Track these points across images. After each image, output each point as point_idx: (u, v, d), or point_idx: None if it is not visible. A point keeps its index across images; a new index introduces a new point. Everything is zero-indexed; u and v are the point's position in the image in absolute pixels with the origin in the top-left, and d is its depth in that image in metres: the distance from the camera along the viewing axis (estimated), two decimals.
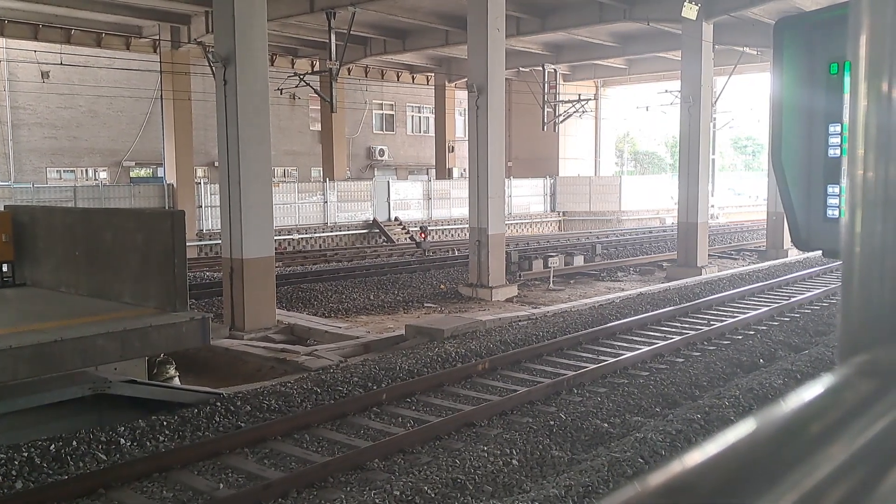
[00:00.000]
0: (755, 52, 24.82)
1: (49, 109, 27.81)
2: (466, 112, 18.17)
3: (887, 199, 0.75)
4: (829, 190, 2.04)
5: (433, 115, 36.36)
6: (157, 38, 24.23)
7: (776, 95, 2.07)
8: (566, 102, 31.60)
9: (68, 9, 21.23)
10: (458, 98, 34.69)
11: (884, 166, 0.76)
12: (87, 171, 29.25)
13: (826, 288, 15.99)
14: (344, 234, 28.92)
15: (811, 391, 0.56)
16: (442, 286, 17.79)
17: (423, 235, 25.59)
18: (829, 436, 0.50)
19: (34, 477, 6.43)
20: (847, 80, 0.79)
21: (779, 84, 2.06)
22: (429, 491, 6.00)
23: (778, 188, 2.16)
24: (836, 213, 2.02)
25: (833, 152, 1.99)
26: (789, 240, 2.36)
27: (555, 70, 31.43)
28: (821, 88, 1.98)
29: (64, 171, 28.69)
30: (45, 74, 26.75)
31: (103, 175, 29.37)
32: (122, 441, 7.16)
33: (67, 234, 9.46)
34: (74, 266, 9.22)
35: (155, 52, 25.14)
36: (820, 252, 2.16)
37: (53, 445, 6.83)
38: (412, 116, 39.26)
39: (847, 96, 0.78)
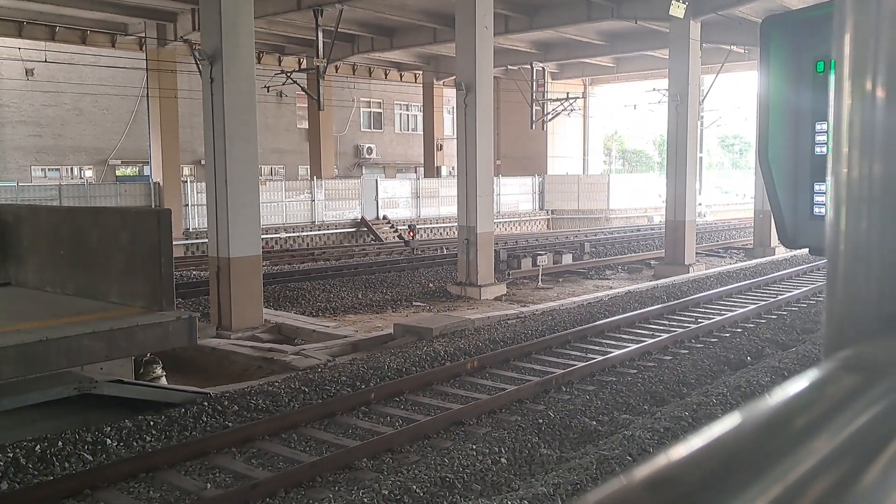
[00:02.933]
0: (742, 51, 24.96)
1: (33, 107, 27.60)
2: (455, 110, 18.18)
3: (871, 197, 0.76)
4: (816, 188, 2.05)
5: (421, 113, 36.34)
6: (143, 35, 24.08)
7: (763, 94, 2.07)
8: (554, 101, 31.67)
9: (53, 6, 21.08)
10: (447, 96, 34.70)
11: (868, 164, 0.76)
12: (72, 169, 29.05)
13: (813, 286, 16.10)
14: (332, 233, 28.86)
15: (796, 385, 0.56)
16: (430, 285, 17.78)
17: (411, 234, 25.58)
18: (814, 429, 0.50)
19: (19, 478, 6.38)
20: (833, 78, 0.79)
21: (765, 82, 2.07)
22: (417, 490, 6.00)
23: (765, 186, 2.17)
24: (823, 210, 2.02)
25: (820, 150, 2.00)
26: (776, 238, 2.36)
27: (543, 68, 31.49)
28: (807, 87, 1.99)
29: (49, 169, 28.49)
30: (29, 72, 26.53)
31: (89, 173, 29.18)
32: (109, 441, 7.12)
33: (52, 232, 9.38)
34: (60, 265, 9.15)
35: (141, 49, 24.99)
36: (807, 250, 2.17)
37: (39, 446, 6.79)
38: (400, 114, 39.22)
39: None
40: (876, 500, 0.50)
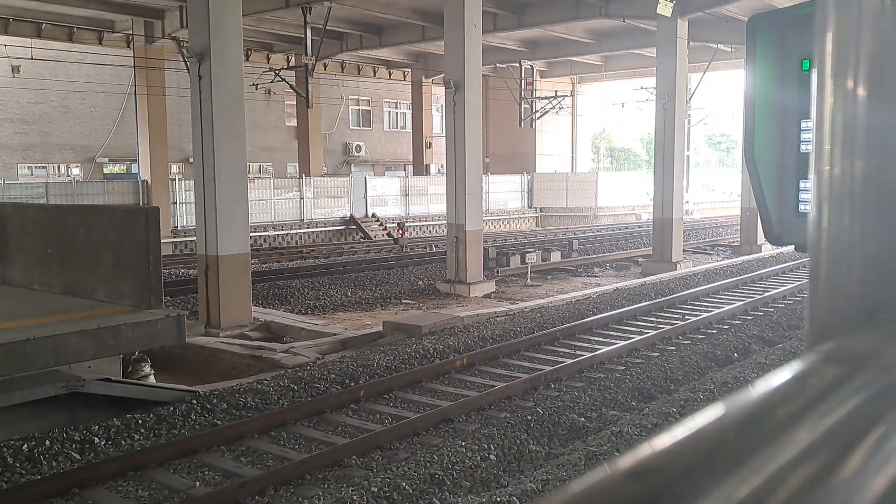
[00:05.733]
0: (729, 49, 25.07)
1: (20, 105, 27.38)
2: (444, 108, 18.19)
3: (853, 194, 0.77)
4: (802, 185, 2.07)
5: (410, 111, 36.29)
6: (131, 32, 23.93)
7: (749, 92, 2.09)
8: (543, 99, 31.71)
9: (39, 2, 20.91)
10: (436, 94, 34.65)
11: (850, 161, 0.77)
12: (59, 167, 28.86)
13: (799, 283, 16.20)
14: (320, 231, 28.80)
15: (779, 377, 0.57)
16: (419, 283, 17.78)
17: (400, 232, 25.56)
18: (795, 420, 0.52)
19: (7, 477, 6.34)
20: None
21: (752, 81, 2.08)
22: (406, 487, 6.01)
23: (751, 184, 2.18)
24: (809, 208, 2.03)
25: (805, 148, 2.01)
26: (763, 235, 2.38)
27: (531, 66, 31.52)
28: (793, 85, 2.01)
29: (35, 167, 28.29)
30: (15, 69, 26.32)
31: (76, 171, 28.99)
32: (97, 440, 7.08)
33: (39, 231, 9.32)
34: (47, 263, 9.09)
35: (128, 46, 24.83)
36: (792, 247, 2.19)
37: (26, 445, 6.75)
38: (389, 112, 39.16)
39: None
40: (855, 489, 0.51)
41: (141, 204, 24.22)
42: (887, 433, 0.55)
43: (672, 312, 13.35)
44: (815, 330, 0.79)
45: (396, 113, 39.30)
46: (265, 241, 26.60)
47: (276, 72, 22.46)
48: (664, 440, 0.46)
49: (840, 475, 0.49)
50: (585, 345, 10.94)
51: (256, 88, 23.82)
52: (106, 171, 29.82)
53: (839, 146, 0.77)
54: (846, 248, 0.78)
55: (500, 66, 32.61)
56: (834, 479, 0.48)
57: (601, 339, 11.26)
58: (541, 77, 34.82)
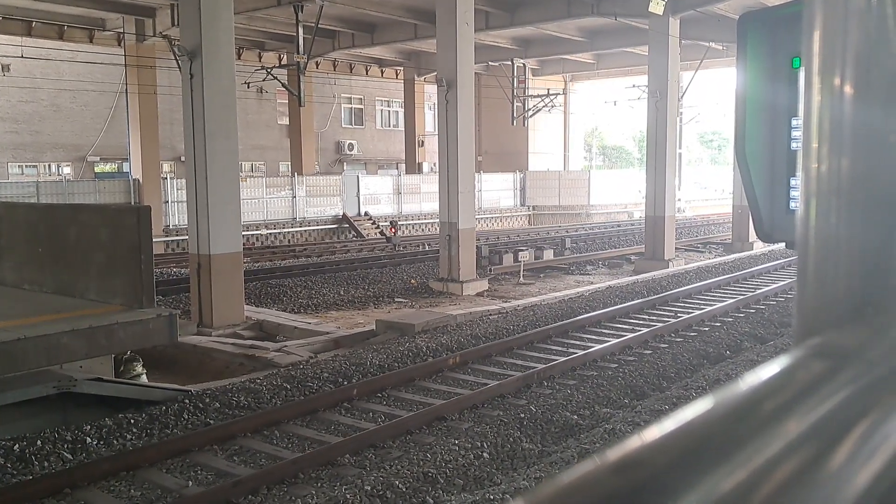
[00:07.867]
0: (721, 47, 25.15)
1: (10, 103, 27.23)
2: (436, 106, 18.17)
3: (840, 191, 0.78)
4: (792, 182, 2.07)
5: (402, 110, 36.25)
6: (122, 30, 23.84)
7: (740, 90, 2.09)
8: (535, 97, 31.75)
9: (30, 0, 20.81)
10: (428, 92, 34.63)
11: (837, 159, 0.78)
12: (49, 166, 28.73)
13: (790, 280, 16.26)
14: (313, 230, 28.76)
15: (767, 371, 0.58)
16: (412, 281, 17.78)
17: (393, 230, 25.56)
18: (782, 413, 0.52)
19: None
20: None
21: (743, 78, 2.09)
22: (400, 485, 6.01)
23: (742, 181, 2.19)
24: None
25: (795, 145, 2.02)
26: (754, 233, 2.39)
27: (524, 65, 31.56)
28: (783, 83, 2.01)
29: (26, 166, 28.15)
30: (5, 68, 26.18)
31: (67, 170, 28.86)
32: (89, 440, 7.06)
33: (30, 230, 9.29)
34: (38, 263, 9.06)
35: (119, 45, 24.74)
36: (783, 244, 2.20)
37: (17, 445, 6.72)
38: (381, 111, 39.11)
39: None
40: (841, 482, 0.51)
41: (132, 203, 24.14)
42: (873, 427, 0.56)
43: (664, 310, 13.39)
44: (803, 325, 0.80)
45: (389, 111, 39.25)
46: (258, 239, 26.55)
47: (268, 70, 22.40)
48: (653, 432, 0.47)
49: (826, 469, 0.50)
50: (578, 343, 10.97)
51: (248, 87, 23.76)
52: (97, 169, 29.70)
53: (826, 144, 0.78)
54: (833, 244, 0.78)
55: (493, 64, 32.62)
56: (820, 472, 0.49)
57: (594, 337, 11.29)
58: (533, 75, 34.88)
